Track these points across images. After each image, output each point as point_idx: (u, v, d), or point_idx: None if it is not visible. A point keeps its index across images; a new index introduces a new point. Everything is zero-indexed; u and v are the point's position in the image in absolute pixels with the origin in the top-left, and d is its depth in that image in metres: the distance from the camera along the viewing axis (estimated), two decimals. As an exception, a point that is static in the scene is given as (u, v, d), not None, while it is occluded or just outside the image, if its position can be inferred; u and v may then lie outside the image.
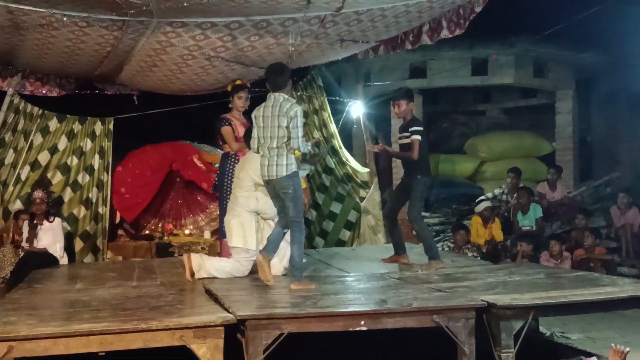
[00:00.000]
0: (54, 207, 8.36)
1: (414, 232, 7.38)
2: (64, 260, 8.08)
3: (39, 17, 6.39)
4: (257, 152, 5.93)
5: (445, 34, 7.35)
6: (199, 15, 6.53)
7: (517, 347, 4.72)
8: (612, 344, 4.37)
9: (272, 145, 5.75)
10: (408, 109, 6.93)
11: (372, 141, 11.19)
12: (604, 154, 13.51)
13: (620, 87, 12.55)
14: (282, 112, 5.69)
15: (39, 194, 8.10)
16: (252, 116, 5.98)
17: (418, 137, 6.77)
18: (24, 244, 7.98)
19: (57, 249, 7.97)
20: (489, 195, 10.67)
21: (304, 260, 5.93)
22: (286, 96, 5.82)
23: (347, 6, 6.52)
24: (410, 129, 6.81)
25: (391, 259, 7.16)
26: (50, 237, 7.96)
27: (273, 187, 5.83)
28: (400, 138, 6.99)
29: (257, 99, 7.89)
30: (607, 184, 12.00)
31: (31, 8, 6.12)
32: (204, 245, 9.19)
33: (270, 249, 5.87)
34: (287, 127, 5.66)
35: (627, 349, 4.35)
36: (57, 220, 8.13)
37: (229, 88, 7.66)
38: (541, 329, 6.62)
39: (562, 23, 9.01)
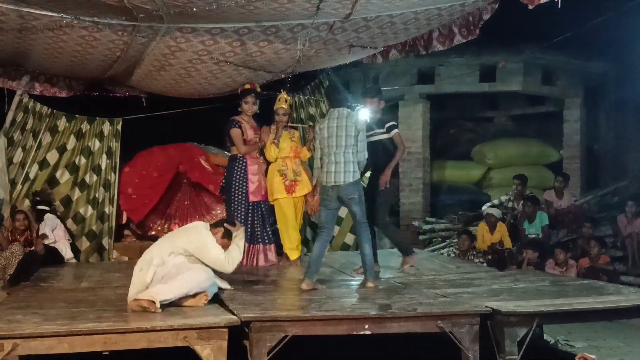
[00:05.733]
0: (43, 204, 8.43)
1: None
2: (68, 251, 8.14)
3: (50, 22, 6.43)
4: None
5: (459, 39, 7.35)
6: (208, 20, 6.56)
7: (520, 354, 4.71)
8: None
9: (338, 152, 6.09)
10: (380, 107, 6.94)
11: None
12: (612, 163, 13.47)
13: (629, 95, 12.52)
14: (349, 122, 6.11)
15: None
16: (317, 129, 6.37)
17: (398, 130, 6.86)
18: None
19: (49, 232, 8.07)
20: (495, 202, 10.65)
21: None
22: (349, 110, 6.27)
23: (355, 13, 6.53)
24: (386, 125, 6.79)
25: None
26: (48, 232, 8.08)
27: (336, 194, 6.06)
28: (368, 136, 6.77)
29: (265, 102, 7.94)
30: (614, 193, 11.96)
31: (42, 12, 6.16)
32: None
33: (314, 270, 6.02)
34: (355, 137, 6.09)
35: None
36: (47, 215, 8.22)
37: (240, 91, 7.69)
38: (546, 336, 6.60)
39: (571, 31, 8.99)
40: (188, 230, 5.51)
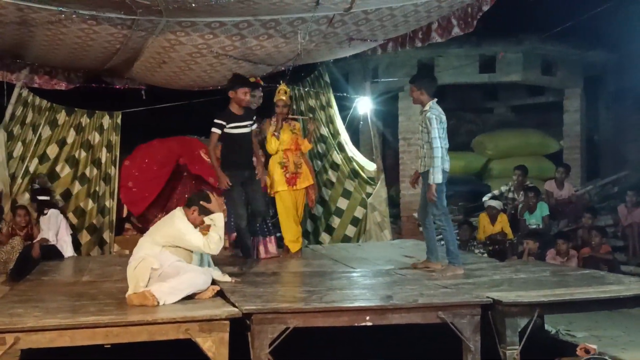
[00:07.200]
0: (48, 197, 8.39)
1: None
2: (69, 249, 8.09)
3: (49, 15, 6.42)
4: None
5: (456, 31, 7.33)
6: (207, 15, 6.54)
7: (522, 344, 4.72)
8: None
9: None
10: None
11: (378, 137, 11.15)
12: (612, 153, 13.46)
13: (629, 85, 12.49)
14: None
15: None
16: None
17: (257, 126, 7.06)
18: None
19: (52, 237, 7.98)
20: (496, 192, 10.65)
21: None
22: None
23: (355, 6, 6.51)
24: (255, 118, 6.92)
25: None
26: (47, 229, 8.00)
27: None
28: (239, 127, 6.83)
29: (265, 94, 7.93)
30: (614, 183, 11.96)
31: (41, 6, 6.14)
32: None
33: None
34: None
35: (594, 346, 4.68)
36: (51, 211, 8.13)
37: None
38: (547, 326, 6.61)
39: (571, 21, 8.96)
40: (164, 221, 5.48)
